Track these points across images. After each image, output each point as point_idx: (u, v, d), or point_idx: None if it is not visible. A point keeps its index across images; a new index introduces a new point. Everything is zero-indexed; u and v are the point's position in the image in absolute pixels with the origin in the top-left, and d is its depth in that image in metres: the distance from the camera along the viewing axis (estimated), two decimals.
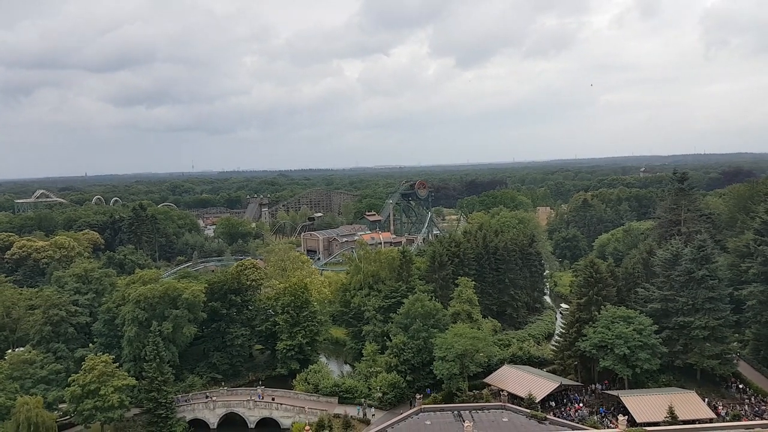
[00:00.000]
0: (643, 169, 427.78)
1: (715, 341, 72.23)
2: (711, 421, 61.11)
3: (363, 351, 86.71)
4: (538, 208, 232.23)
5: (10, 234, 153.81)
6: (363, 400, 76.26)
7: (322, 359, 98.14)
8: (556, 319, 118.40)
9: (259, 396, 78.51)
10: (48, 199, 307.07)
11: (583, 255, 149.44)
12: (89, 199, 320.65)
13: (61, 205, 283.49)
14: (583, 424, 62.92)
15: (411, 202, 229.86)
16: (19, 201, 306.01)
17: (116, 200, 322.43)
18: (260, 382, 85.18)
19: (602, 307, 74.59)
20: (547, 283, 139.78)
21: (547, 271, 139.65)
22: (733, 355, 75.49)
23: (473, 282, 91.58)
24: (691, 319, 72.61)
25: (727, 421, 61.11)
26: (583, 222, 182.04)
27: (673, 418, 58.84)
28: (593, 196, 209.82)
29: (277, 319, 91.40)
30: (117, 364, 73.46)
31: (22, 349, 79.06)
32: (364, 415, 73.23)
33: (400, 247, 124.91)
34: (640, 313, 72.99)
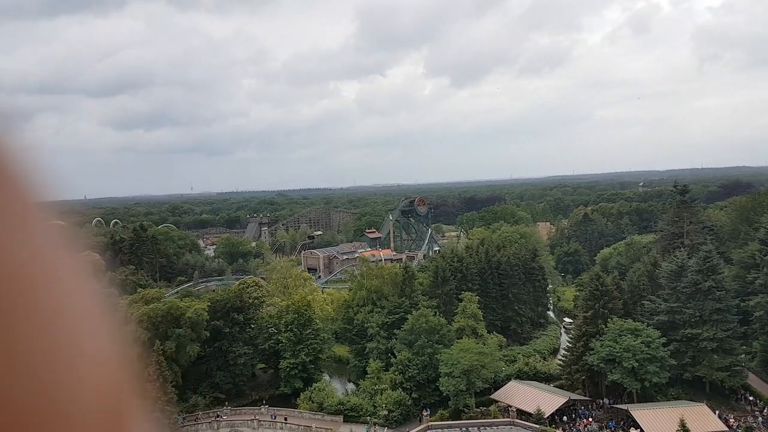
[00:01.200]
0: (641, 184, 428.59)
1: (723, 353, 71.67)
2: None
3: (367, 368, 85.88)
4: (538, 223, 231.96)
5: None
6: (369, 418, 75.26)
7: (326, 377, 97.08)
8: (561, 334, 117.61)
9: (272, 416, 77.36)
10: None
11: (585, 269, 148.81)
12: (89, 221, 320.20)
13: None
14: None
15: (410, 219, 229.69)
16: None
17: (116, 222, 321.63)
18: (264, 402, 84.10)
19: (609, 320, 74.09)
20: (551, 298, 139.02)
21: (550, 286, 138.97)
22: (743, 367, 74.85)
23: (477, 297, 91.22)
24: (698, 330, 72.12)
25: None
26: (584, 236, 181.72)
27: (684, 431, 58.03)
28: (593, 210, 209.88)
29: (280, 337, 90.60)
30: None
31: None
32: None
33: (402, 263, 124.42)
34: (647, 326, 72.50)
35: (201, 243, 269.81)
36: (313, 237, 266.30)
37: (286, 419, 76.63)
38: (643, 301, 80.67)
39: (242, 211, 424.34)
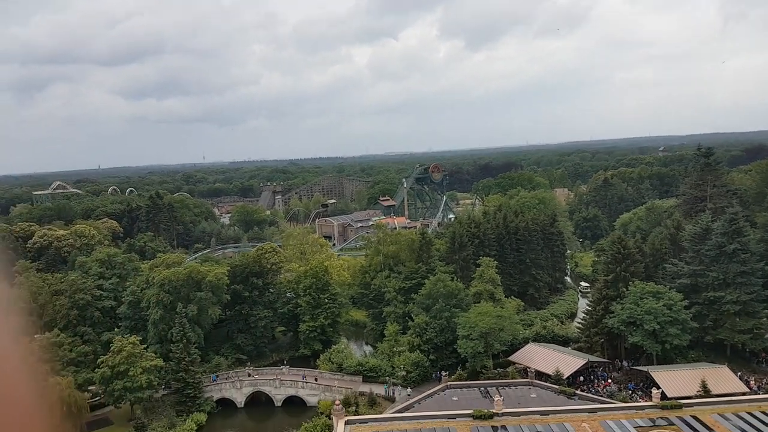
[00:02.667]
0: (662, 149, 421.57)
1: (746, 316, 71.06)
2: (744, 395, 60.08)
3: (384, 331, 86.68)
4: (555, 189, 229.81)
5: (31, 224, 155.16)
6: (388, 378, 76.19)
7: (344, 340, 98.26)
8: (578, 298, 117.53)
9: (303, 377, 78.50)
10: (65, 191, 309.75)
11: (604, 235, 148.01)
12: (105, 191, 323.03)
13: (78, 196, 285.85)
14: (612, 400, 62.20)
15: (425, 186, 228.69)
16: (36, 193, 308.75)
17: (131, 191, 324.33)
18: (285, 362, 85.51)
19: (630, 283, 73.60)
20: (568, 264, 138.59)
21: (568, 252, 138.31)
22: (765, 330, 74.26)
23: (495, 262, 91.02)
24: (721, 294, 71.46)
25: (760, 395, 60.06)
26: (603, 202, 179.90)
27: (705, 392, 57.95)
28: (613, 175, 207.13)
29: (299, 301, 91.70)
30: (143, 346, 73.88)
31: (49, 333, 79.42)
32: (392, 393, 73.07)
33: (417, 230, 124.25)
34: (669, 289, 71.93)
35: (216, 211, 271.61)
36: (326, 205, 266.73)
37: (316, 379, 77.70)
38: (665, 265, 79.88)
39: (255, 180, 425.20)
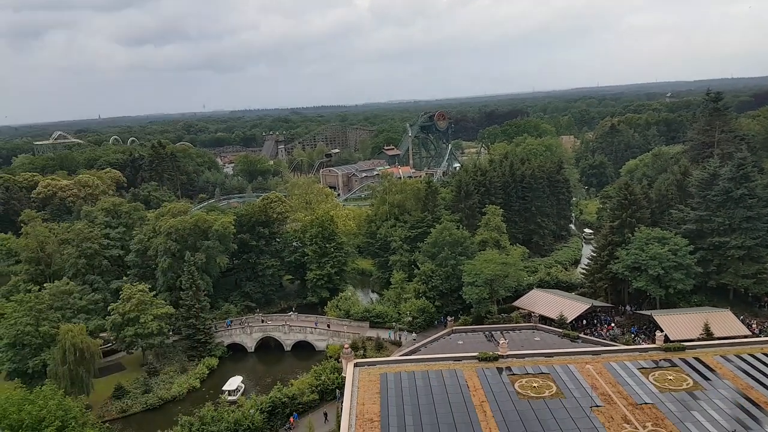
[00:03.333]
0: (669, 95, 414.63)
1: (750, 261, 71.46)
2: (746, 338, 61.03)
3: (391, 279, 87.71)
4: (561, 137, 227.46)
5: (34, 174, 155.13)
6: (394, 324, 77.54)
7: (350, 288, 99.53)
8: (582, 246, 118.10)
9: (315, 324, 79.66)
10: (66, 141, 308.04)
11: (610, 182, 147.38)
12: (106, 140, 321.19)
13: (80, 146, 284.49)
14: (615, 343, 63.29)
15: (430, 135, 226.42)
16: (38, 143, 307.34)
17: (133, 140, 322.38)
18: (293, 309, 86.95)
19: (636, 229, 73.68)
20: (573, 212, 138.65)
21: (573, 199, 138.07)
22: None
23: (501, 210, 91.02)
24: (726, 239, 71.67)
25: (762, 338, 61.04)
26: (609, 149, 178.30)
27: (708, 335, 58.88)
28: (620, 121, 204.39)
29: (306, 250, 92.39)
30: (153, 293, 74.96)
31: (59, 282, 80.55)
32: (399, 337, 74.49)
33: (423, 178, 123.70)
34: (674, 235, 72.06)
35: (219, 161, 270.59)
36: (330, 155, 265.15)
37: (328, 326, 78.92)
38: (671, 211, 79.78)
39: (257, 129, 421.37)
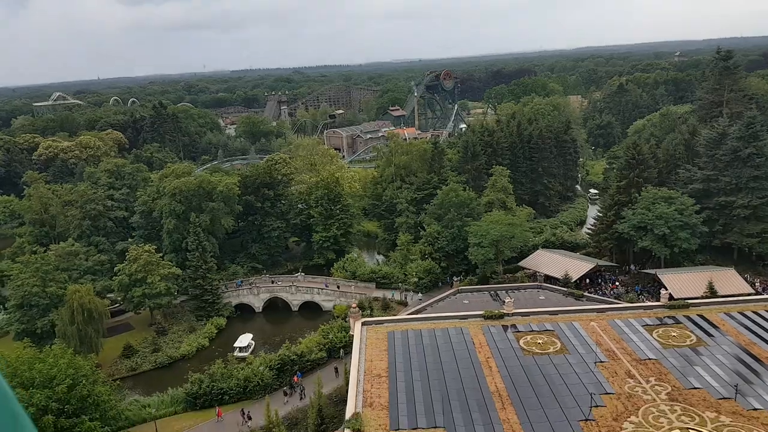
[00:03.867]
0: (678, 54, 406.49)
1: (755, 220, 71.30)
2: (750, 296, 61.31)
3: (397, 241, 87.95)
4: (569, 97, 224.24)
5: (35, 135, 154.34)
6: (400, 284, 78.13)
7: (356, 250, 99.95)
8: (588, 206, 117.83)
9: (325, 284, 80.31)
10: (66, 102, 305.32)
11: (617, 142, 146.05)
12: (106, 101, 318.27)
13: (80, 107, 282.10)
14: (620, 301, 63.70)
15: (435, 95, 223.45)
16: (37, 104, 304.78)
17: (133, 101, 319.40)
18: (300, 271, 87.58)
19: (643, 188, 73.29)
20: (579, 173, 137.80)
21: (580, 159, 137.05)
22: None
23: (508, 171, 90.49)
24: (733, 198, 71.35)
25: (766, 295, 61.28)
26: (617, 109, 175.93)
27: (712, 294, 59.17)
28: (628, 81, 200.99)
29: (311, 212, 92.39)
30: (159, 255, 75.44)
31: (64, 243, 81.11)
32: (405, 298, 75.15)
33: (430, 139, 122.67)
34: (681, 194, 71.72)
35: (221, 122, 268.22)
36: (334, 116, 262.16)
37: (338, 287, 79.51)
38: (678, 170, 79.22)
39: (259, 90, 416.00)
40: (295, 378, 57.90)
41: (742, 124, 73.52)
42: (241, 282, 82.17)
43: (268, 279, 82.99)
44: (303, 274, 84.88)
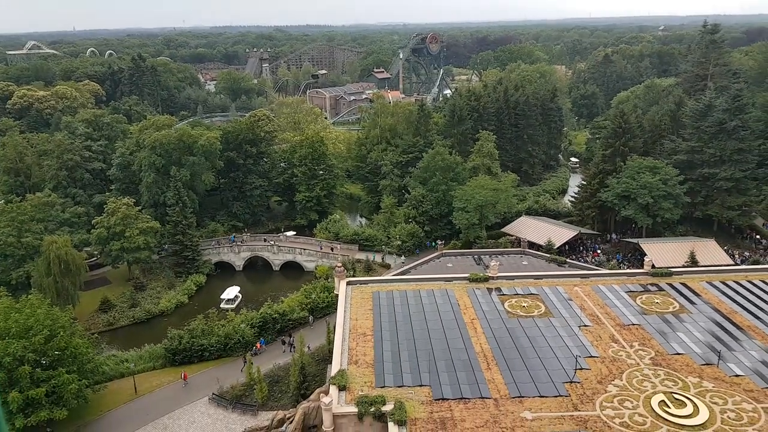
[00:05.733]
0: (662, 28, 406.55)
1: (737, 193, 72.23)
2: (730, 266, 62.38)
3: (381, 204, 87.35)
4: (554, 66, 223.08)
5: (8, 83, 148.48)
6: (384, 247, 77.85)
7: (339, 211, 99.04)
8: (570, 176, 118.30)
9: (320, 247, 78.86)
10: (40, 51, 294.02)
11: (600, 113, 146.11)
12: (83, 53, 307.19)
13: (55, 57, 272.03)
14: (601, 268, 64.33)
15: (421, 59, 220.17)
16: (10, 53, 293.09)
17: (111, 53, 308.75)
18: (282, 230, 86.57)
19: (628, 158, 73.45)
20: (562, 142, 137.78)
21: (565, 129, 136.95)
22: (753, 208, 75.85)
23: (494, 136, 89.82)
24: (716, 170, 71.98)
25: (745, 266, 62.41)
26: (602, 79, 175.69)
27: (693, 263, 60.01)
28: (614, 52, 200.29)
29: (295, 171, 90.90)
30: (138, 208, 73.67)
31: (40, 193, 78.66)
32: (383, 260, 74.95)
33: (416, 102, 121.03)
34: (666, 165, 72.08)
35: (200, 77, 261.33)
36: (317, 76, 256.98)
37: (332, 249, 78.11)
38: (663, 141, 79.50)
39: (240, 46, 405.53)
40: (258, 345, 56.15)
41: (728, 96, 73.76)
42: (234, 238, 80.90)
43: (266, 237, 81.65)
44: (294, 233, 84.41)
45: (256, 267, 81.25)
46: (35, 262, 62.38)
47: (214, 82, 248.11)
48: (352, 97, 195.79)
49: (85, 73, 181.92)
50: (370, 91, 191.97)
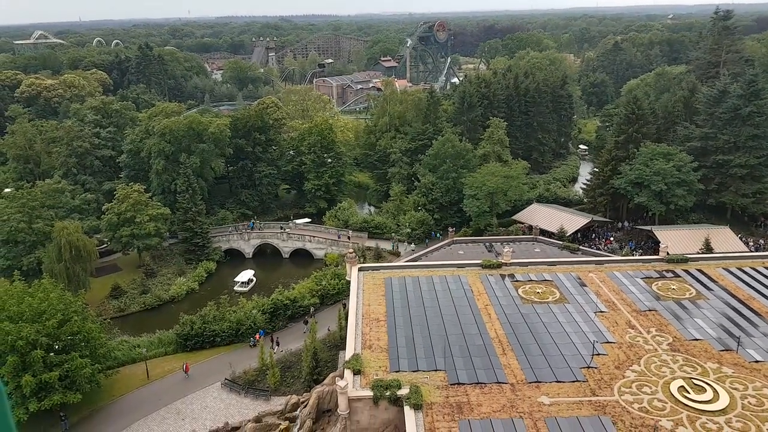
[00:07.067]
0: (671, 17, 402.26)
1: (751, 180, 71.33)
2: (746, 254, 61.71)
3: (390, 192, 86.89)
4: (563, 54, 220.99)
5: (17, 72, 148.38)
6: (393, 234, 77.48)
7: (348, 199, 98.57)
8: (580, 164, 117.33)
9: (338, 236, 78.08)
10: (47, 41, 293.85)
11: (610, 101, 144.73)
12: (89, 42, 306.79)
13: (62, 47, 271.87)
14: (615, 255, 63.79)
15: (428, 47, 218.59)
16: (18, 42, 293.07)
17: (117, 43, 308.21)
18: (291, 218, 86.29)
19: (641, 144, 72.61)
20: (572, 130, 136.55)
21: (574, 116, 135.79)
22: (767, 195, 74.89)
23: (505, 123, 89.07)
24: (730, 157, 71.06)
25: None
26: (611, 67, 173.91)
27: (708, 251, 59.37)
28: (624, 40, 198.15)
29: (304, 159, 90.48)
30: (147, 195, 73.52)
31: (50, 180, 78.61)
32: (397, 248, 74.59)
33: (425, 89, 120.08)
34: (679, 152, 71.24)
35: (207, 67, 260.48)
36: (323, 65, 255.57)
37: (349, 237, 77.60)
38: (676, 128, 78.54)
39: (246, 36, 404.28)
40: (257, 336, 55.15)
41: (743, 81, 72.67)
42: (253, 224, 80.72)
43: (282, 225, 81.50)
44: (309, 220, 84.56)
45: (266, 254, 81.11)
46: (46, 248, 62.36)
47: (221, 71, 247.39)
48: (359, 86, 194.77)
49: (92, 62, 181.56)
50: (377, 80, 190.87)
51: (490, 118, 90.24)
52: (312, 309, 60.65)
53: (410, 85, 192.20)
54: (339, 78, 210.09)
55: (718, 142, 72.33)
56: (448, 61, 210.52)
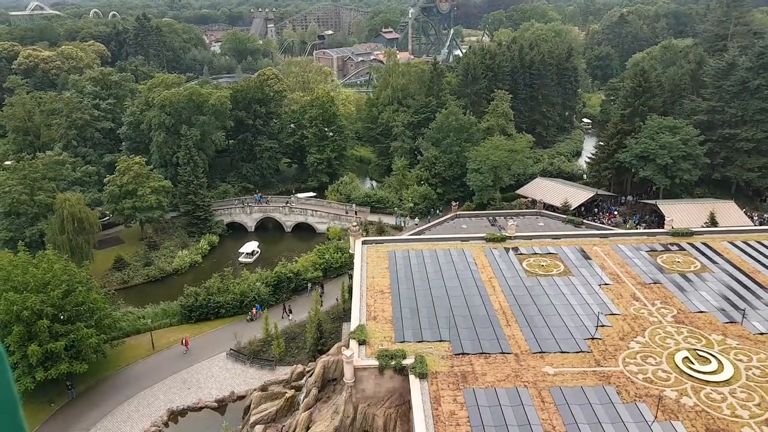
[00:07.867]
0: None
1: (757, 154, 70.89)
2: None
3: (392, 166, 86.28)
4: (568, 26, 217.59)
5: (13, 44, 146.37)
6: (396, 209, 77.23)
7: (350, 174, 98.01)
8: (584, 138, 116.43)
9: (346, 211, 77.44)
10: (44, 12, 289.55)
11: (614, 75, 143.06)
12: (86, 14, 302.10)
13: (59, 18, 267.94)
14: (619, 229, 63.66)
15: (431, 18, 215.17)
16: (13, 14, 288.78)
17: (114, 15, 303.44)
18: (293, 192, 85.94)
19: (647, 117, 71.88)
20: (577, 103, 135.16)
21: (579, 90, 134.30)
22: None
23: (510, 95, 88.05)
24: (737, 131, 70.51)
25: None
26: (617, 41, 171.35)
27: (713, 224, 59.21)
28: (630, 12, 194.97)
29: (305, 132, 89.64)
30: (149, 168, 73.08)
31: (51, 152, 78.07)
32: (400, 222, 74.43)
33: (429, 61, 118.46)
34: (686, 125, 70.58)
35: (205, 38, 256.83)
36: (323, 37, 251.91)
37: (356, 213, 76.92)
38: (683, 101, 77.69)
39: (244, 7, 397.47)
40: (254, 310, 54.99)
41: (752, 54, 71.65)
42: (261, 197, 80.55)
43: (288, 199, 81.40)
44: (314, 194, 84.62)
45: (267, 228, 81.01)
46: (48, 220, 62.15)
47: (219, 43, 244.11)
48: (360, 58, 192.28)
49: (89, 33, 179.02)
50: (378, 52, 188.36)
51: (495, 90, 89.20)
52: (319, 282, 60.73)
53: (412, 57, 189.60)
54: (339, 50, 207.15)
55: (725, 115, 71.65)
56: (451, 32, 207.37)
